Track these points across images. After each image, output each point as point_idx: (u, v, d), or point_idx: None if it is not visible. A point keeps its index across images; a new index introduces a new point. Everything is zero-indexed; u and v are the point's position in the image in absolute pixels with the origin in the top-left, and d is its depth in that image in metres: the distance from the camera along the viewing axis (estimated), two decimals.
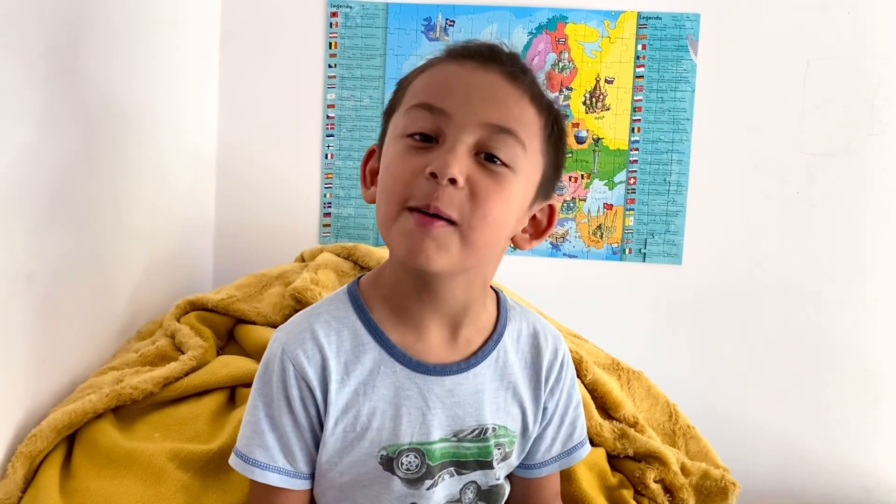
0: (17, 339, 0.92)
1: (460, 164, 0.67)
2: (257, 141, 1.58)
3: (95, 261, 1.11)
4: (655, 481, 1.04)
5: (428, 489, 0.76)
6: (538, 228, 0.79)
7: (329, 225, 1.59)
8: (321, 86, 1.57)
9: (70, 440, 0.94)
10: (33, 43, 0.91)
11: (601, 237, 1.56)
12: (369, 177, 0.79)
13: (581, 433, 0.87)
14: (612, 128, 1.55)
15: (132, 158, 1.20)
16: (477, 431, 0.77)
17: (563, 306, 1.34)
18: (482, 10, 1.54)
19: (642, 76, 1.53)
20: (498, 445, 0.78)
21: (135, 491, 0.85)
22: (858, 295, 1.53)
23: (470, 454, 0.77)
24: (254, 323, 1.16)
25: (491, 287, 0.81)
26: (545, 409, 0.82)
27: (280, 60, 1.56)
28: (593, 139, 1.55)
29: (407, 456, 0.75)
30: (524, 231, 0.78)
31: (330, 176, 1.58)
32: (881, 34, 1.49)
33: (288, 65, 1.56)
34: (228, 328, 1.18)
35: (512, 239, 0.77)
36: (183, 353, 1.08)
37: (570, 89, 1.55)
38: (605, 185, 1.56)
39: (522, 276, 1.37)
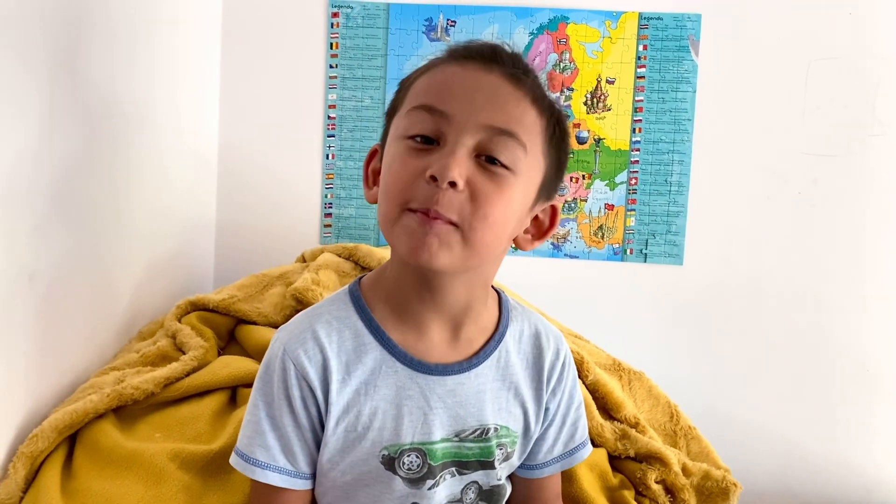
0: (19, 339, 0.92)
1: (460, 167, 0.67)
2: (258, 141, 1.58)
3: (96, 261, 1.11)
4: (657, 482, 1.04)
5: (429, 489, 0.76)
6: (540, 229, 0.79)
7: (330, 225, 1.59)
8: (322, 86, 1.57)
9: (71, 440, 0.94)
10: (33, 43, 0.91)
11: (602, 238, 1.56)
12: (371, 177, 0.78)
13: (583, 434, 0.87)
14: (614, 128, 1.55)
15: (133, 158, 1.20)
16: (478, 431, 0.77)
17: (564, 307, 1.34)
18: (483, 10, 1.54)
19: (643, 76, 1.53)
20: (500, 446, 0.78)
21: (136, 491, 0.85)
22: (859, 295, 1.53)
23: (471, 454, 0.77)
24: (255, 323, 1.16)
25: (492, 287, 0.81)
26: (547, 409, 0.82)
27: (281, 60, 1.56)
28: (594, 140, 1.55)
29: (408, 456, 0.74)
30: (526, 232, 0.78)
31: (331, 176, 1.58)
32: (881, 34, 1.49)
33: (289, 65, 1.56)
34: (229, 328, 1.18)
35: (514, 240, 0.77)
36: (184, 353, 1.08)
37: (572, 90, 1.55)
38: (606, 185, 1.56)
39: (523, 276, 1.37)
